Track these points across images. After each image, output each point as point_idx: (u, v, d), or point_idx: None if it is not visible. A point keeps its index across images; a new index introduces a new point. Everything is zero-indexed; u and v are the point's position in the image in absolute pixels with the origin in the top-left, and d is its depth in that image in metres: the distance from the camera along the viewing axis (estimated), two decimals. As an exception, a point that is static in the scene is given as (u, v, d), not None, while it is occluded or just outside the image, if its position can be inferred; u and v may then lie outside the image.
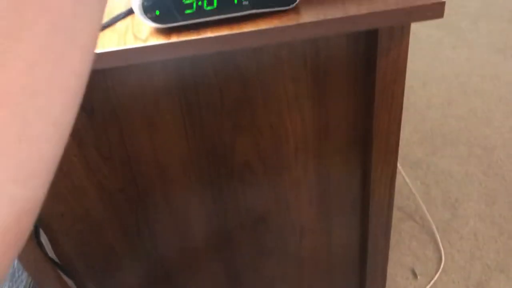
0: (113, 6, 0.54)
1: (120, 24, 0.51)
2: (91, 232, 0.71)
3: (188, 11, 0.47)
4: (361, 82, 0.58)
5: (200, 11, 0.47)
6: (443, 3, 0.47)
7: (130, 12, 0.52)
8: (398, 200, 1.32)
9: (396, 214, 1.29)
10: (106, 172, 0.64)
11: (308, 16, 0.48)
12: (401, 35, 0.51)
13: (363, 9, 0.48)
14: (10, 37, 0.20)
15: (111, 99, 0.57)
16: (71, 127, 0.24)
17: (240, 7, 0.48)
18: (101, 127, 0.59)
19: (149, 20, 0.47)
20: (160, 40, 0.48)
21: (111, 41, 0.49)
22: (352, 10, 0.48)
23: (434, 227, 1.22)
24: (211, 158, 0.64)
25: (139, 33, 0.49)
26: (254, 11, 0.48)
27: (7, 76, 0.20)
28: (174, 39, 0.48)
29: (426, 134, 1.49)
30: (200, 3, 0.47)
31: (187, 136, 0.61)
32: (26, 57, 0.21)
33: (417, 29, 1.91)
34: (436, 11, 0.47)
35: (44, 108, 0.22)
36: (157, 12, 0.47)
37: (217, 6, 0.47)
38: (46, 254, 0.72)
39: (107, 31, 0.50)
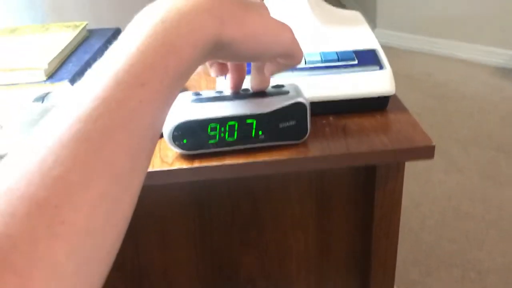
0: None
1: (149, 148, 0.58)
2: None
3: (211, 141, 0.54)
4: (361, 208, 0.64)
5: (222, 142, 0.54)
6: (433, 146, 0.54)
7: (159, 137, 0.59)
8: (393, 321, 1.31)
9: (392, 336, 1.28)
10: (116, 281, 0.67)
11: (315, 150, 0.55)
12: (396, 171, 0.58)
13: (363, 148, 0.55)
14: (78, 185, 0.24)
15: (131, 212, 0.62)
16: (112, 263, 0.27)
17: (256, 139, 0.55)
18: (119, 237, 0.63)
19: (177, 147, 0.54)
20: (184, 165, 0.54)
21: (140, 163, 0.55)
22: (353, 147, 0.55)
23: None
24: (218, 274, 0.67)
25: (165, 157, 0.56)
26: (268, 143, 0.55)
27: (73, 218, 0.24)
28: (197, 164, 0.54)
29: (421, 255, 1.52)
30: (222, 134, 0.54)
31: (197, 252, 0.65)
32: (90, 203, 0.24)
33: (410, 152, 2.01)
34: (427, 153, 0.54)
35: (98, 247, 0.25)
36: (185, 141, 0.54)
37: (237, 138, 0.54)
38: None
39: (137, 153, 0.57)
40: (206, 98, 0.55)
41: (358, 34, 0.67)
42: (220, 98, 0.55)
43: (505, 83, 2.53)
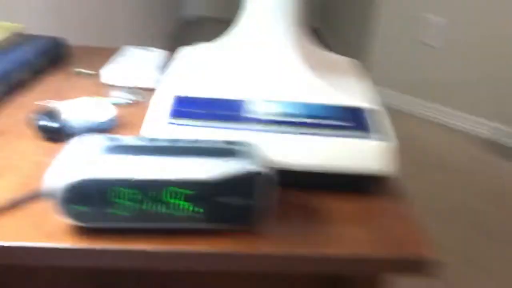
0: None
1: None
2: None
3: (121, 213, 0.37)
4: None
5: (137, 216, 0.37)
6: (435, 262, 0.38)
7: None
8: None
9: None
10: None
11: (269, 244, 0.39)
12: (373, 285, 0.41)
13: (331, 249, 0.38)
14: None
15: None
16: None
17: (188, 217, 0.38)
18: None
19: (69, 216, 0.37)
20: (77, 244, 0.37)
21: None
22: (320, 245, 0.39)
23: None
24: None
25: (50, 227, 0.38)
26: (204, 225, 0.38)
27: None
28: (97, 244, 0.37)
29: None
30: (139, 205, 0.37)
31: None
32: None
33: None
34: (420, 268, 0.38)
35: None
36: (82, 208, 0.37)
37: (160, 212, 0.37)
38: None
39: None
40: (124, 147, 0.39)
41: (355, 88, 0.51)
42: (143, 149, 0.39)
43: (490, 158, 2.44)
